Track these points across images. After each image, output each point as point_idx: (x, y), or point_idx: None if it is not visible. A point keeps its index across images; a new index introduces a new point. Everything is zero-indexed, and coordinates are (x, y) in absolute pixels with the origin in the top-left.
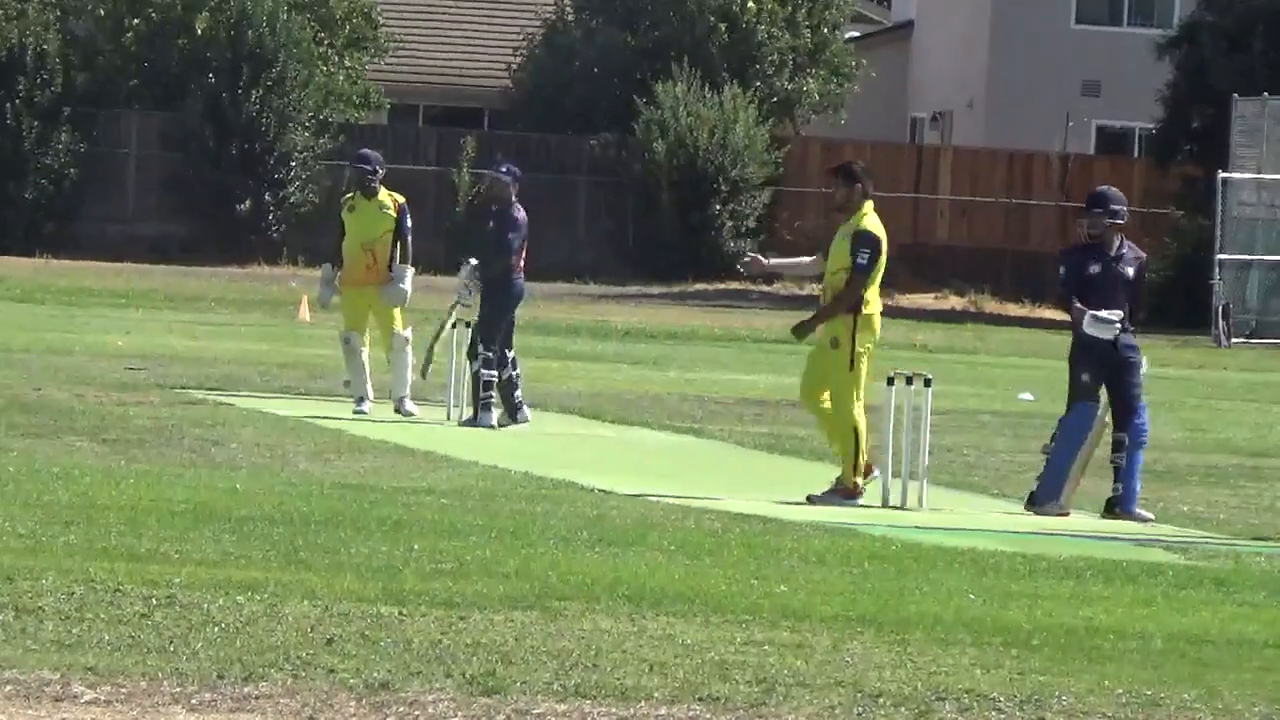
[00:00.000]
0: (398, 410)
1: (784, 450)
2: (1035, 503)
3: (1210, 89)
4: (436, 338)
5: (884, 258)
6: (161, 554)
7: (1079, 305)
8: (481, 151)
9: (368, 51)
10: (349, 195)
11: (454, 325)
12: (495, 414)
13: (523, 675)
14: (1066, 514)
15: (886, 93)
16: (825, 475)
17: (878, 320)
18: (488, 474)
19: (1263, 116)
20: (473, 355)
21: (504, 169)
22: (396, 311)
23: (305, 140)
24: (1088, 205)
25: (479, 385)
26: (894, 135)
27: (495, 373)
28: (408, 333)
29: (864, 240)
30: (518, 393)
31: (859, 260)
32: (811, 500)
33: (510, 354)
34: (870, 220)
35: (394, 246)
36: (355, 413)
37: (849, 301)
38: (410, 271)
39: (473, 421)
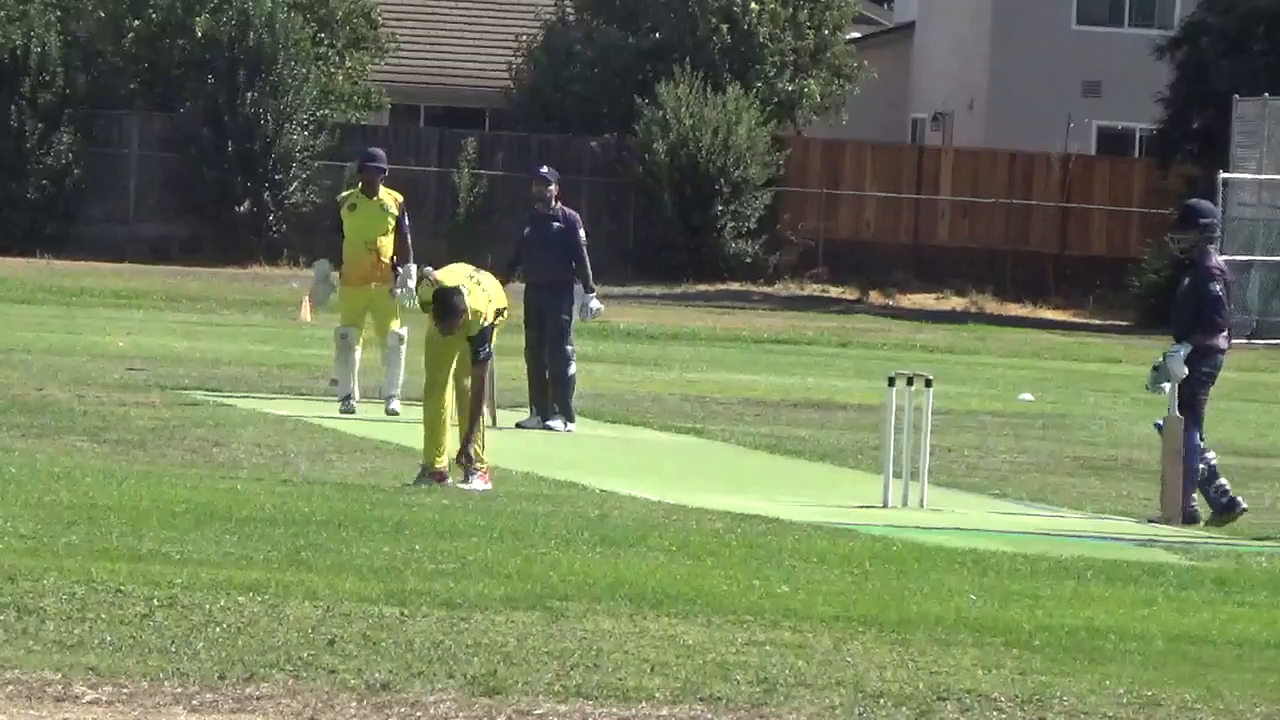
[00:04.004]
0: (387, 410)
1: (785, 450)
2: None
3: (1211, 90)
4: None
5: None
6: (163, 554)
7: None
8: (483, 152)
9: (368, 52)
10: (348, 194)
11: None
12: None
13: (524, 676)
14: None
15: (888, 94)
16: (826, 475)
17: None
18: (489, 474)
19: (1263, 117)
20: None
21: (544, 170)
22: (396, 310)
23: (305, 140)
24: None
25: (571, 388)
26: (895, 136)
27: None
28: (404, 331)
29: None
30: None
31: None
32: (466, 485)
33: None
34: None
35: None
36: (341, 411)
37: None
38: (415, 270)
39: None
